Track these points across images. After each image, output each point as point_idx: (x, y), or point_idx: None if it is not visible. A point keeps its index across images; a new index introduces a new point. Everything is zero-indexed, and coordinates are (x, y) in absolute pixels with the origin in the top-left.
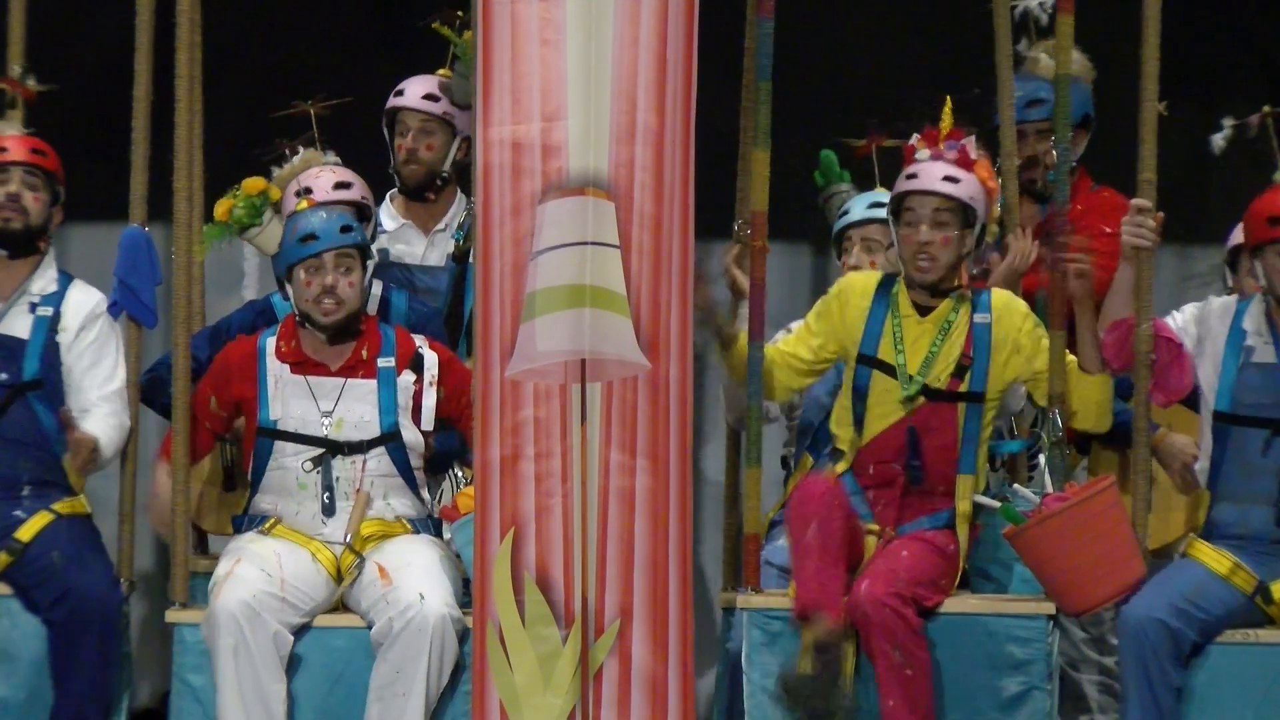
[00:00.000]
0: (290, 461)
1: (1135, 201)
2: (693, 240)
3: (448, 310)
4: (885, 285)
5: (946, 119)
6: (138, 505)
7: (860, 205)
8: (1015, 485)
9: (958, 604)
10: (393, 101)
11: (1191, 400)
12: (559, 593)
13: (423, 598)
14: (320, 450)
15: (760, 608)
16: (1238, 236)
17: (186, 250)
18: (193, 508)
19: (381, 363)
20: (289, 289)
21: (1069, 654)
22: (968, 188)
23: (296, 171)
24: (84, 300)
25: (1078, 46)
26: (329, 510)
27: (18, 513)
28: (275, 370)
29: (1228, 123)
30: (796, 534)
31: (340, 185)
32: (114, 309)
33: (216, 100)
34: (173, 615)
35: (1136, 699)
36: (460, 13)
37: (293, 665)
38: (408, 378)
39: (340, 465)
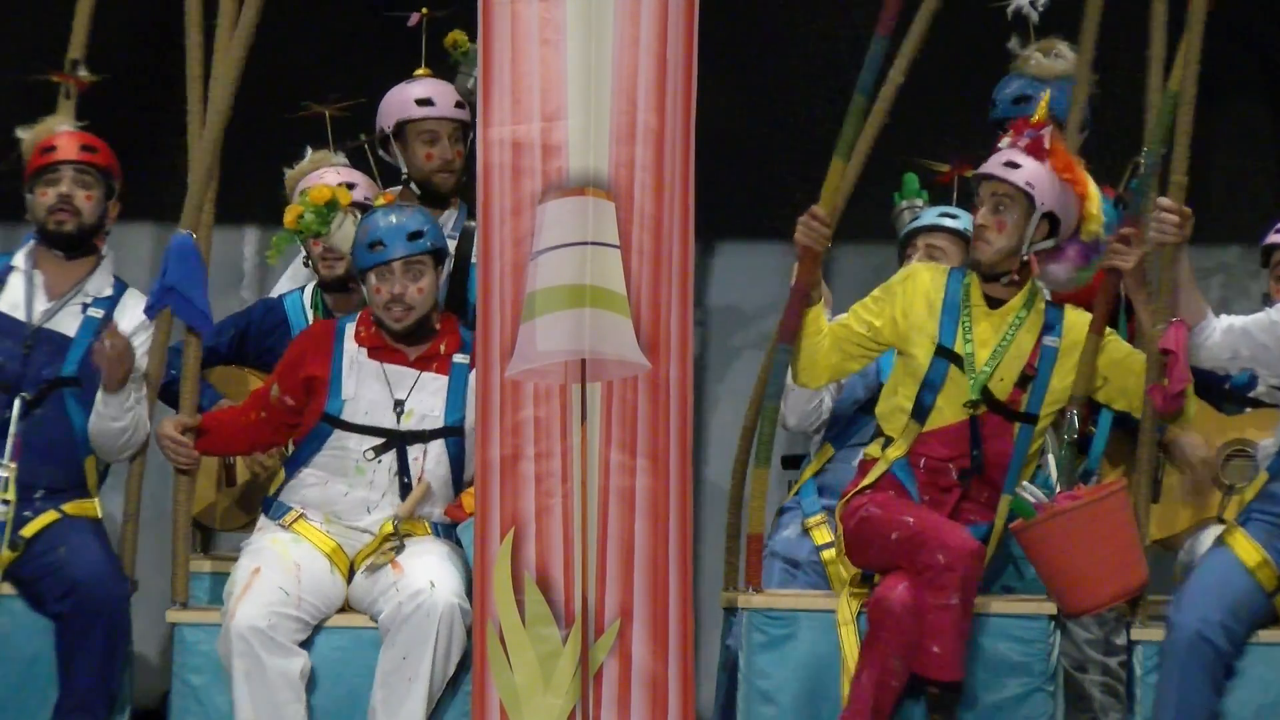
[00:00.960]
0: (354, 444)
1: (1160, 201)
2: (693, 240)
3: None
4: (955, 277)
5: (1041, 110)
6: (141, 505)
7: (932, 212)
8: (1024, 482)
9: None
10: (421, 111)
11: (1212, 396)
12: (559, 593)
13: (433, 585)
14: (382, 440)
15: (761, 608)
16: (1275, 236)
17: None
18: (195, 505)
19: (457, 359)
20: (364, 290)
21: (1073, 655)
22: (1027, 174)
23: (305, 172)
24: (138, 308)
25: (1075, 47)
26: (405, 492)
27: (26, 513)
28: (352, 352)
29: None
30: (946, 593)
31: (344, 186)
32: (150, 311)
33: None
34: (173, 615)
35: (1174, 716)
36: (425, 10)
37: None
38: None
39: (407, 454)
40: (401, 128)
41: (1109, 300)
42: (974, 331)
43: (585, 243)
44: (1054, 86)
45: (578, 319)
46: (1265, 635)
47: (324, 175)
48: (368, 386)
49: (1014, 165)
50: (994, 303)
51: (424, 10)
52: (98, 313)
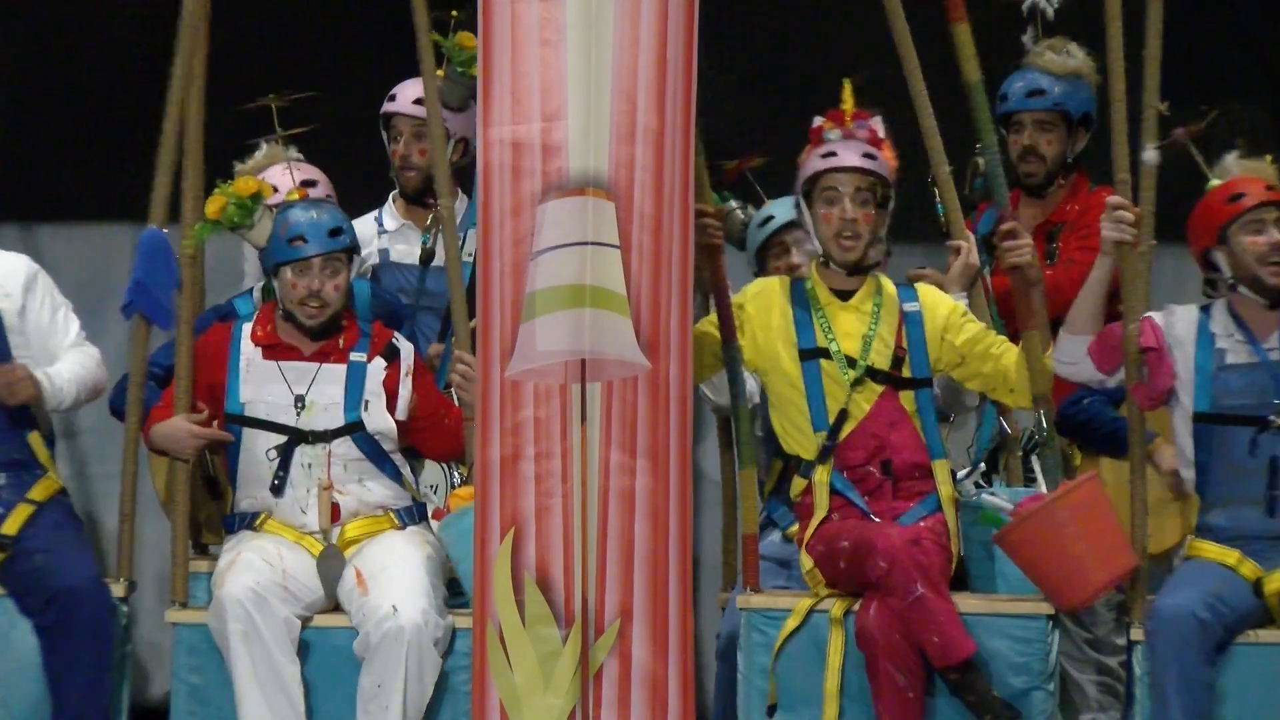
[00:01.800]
0: (259, 451)
1: (1110, 199)
2: (693, 240)
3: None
4: (795, 286)
5: (848, 100)
6: (138, 505)
7: (785, 208)
8: (984, 495)
9: (958, 604)
10: (386, 106)
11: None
12: (559, 593)
13: (395, 610)
14: (285, 438)
15: (760, 608)
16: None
17: (191, 250)
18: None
19: (354, 356)
20: (275, 283)
21: (1069, 654)
22: (883, 165)
23: (260, 167)
24: (12, 266)
25: (1084, 46)
26: (278, 491)
27: None
28: (248, 353)
29: (1150, 145)
30: (906, 589)
31: (305, 184)
32: (127, 309)
33: (212, 100)
34: (173, 615)
35: (1175, 692)
36: (455, 13)
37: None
38: (378, 364)
39: (307, 452)
40: (384, 123)
41: (1028, 297)
42: (834, 328)
43: (585, 243)
44: (1064, 83)
45: (578, 319)
46: (1265, 635)
47: (285, 173)
48: (266, 388)
49: (871, 157)
50: (844, 295)
51: (454, 13)
52: None
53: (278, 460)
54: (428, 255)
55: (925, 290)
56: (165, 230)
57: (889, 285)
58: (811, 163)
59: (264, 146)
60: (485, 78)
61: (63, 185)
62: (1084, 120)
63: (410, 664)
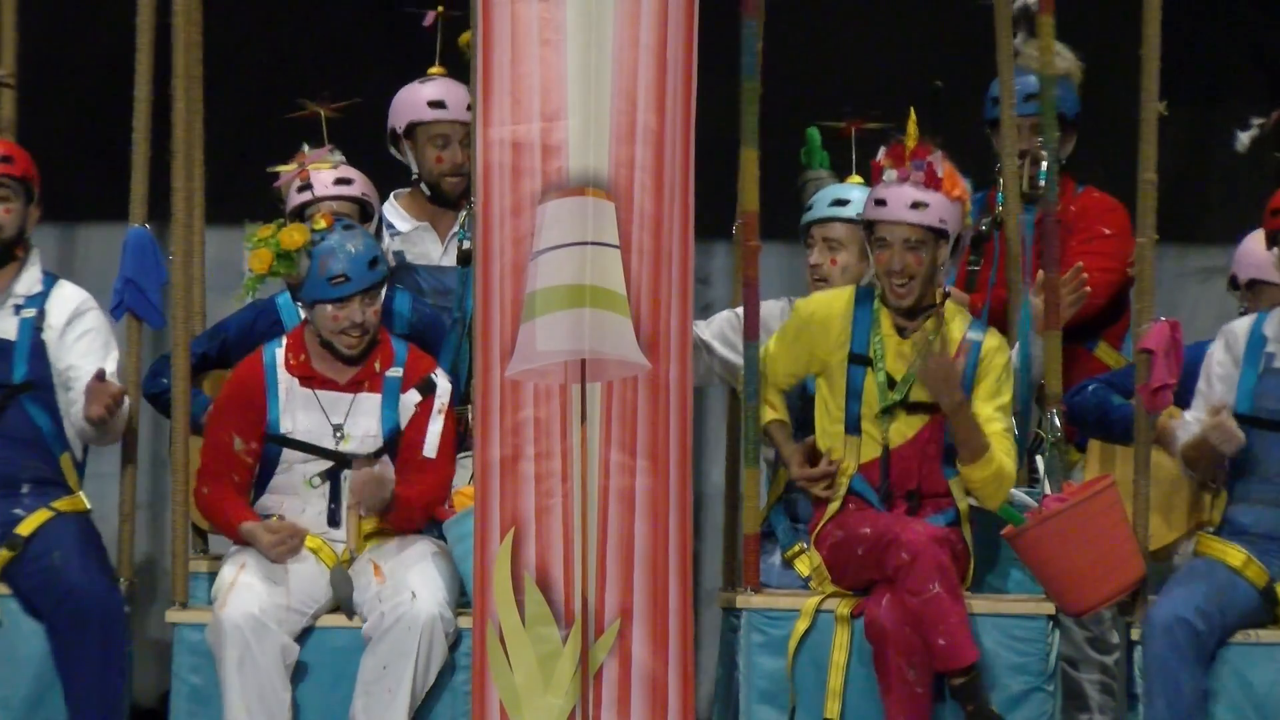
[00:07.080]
0: (298, 466)
1: (1214, 423)
2: (693, 240)
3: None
4: (864, 298)
5: (912, 135)
6: (138, 505)
7: (823, 202)
8: (1011, 489)
9: None
10: (432, 114)
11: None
12: (559, 593)
13: (414, 596)
14: (328, 463)
15: (760, 608)
16: (1245, 269)
17: (185, 251)
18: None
19: (389, 374)
20: (310, 312)
21: (1069, 653)
22: (936, 211)
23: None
24: (69, 297)
25: (1069, 44)
26: (334, 520)
27: (17, 510)
28: (285, 383)
29: (1255, 121)
30: (923, 585)
31: (341, 181)
32: (118, 310)
33: (216, 100)
34: (173, 615)
35: (1163, 700)
36: (441, 10)
37: (294, 665)
38: (412, 397)
39: (347, 477)
40: (413, 128)
41: (1056, 296)
42: (886, 357)
43: (585, 243)
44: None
45: (578, 319)
46: (1265, 635)
47: (321, 170)
48: (305, 416)
49: (921, 206)
50: (903, 331)
51: (439, 9)
52: (31, 312)
53: (324, 488)
54: (467, 256)
55: (993, 339)
56: (148, 227)
57: (955, 319)
58: (867, 206)
59: (306, 148)
60: (485, 78)
61: (63, 185)
62: (1071, 120)
63: (421, 651)
